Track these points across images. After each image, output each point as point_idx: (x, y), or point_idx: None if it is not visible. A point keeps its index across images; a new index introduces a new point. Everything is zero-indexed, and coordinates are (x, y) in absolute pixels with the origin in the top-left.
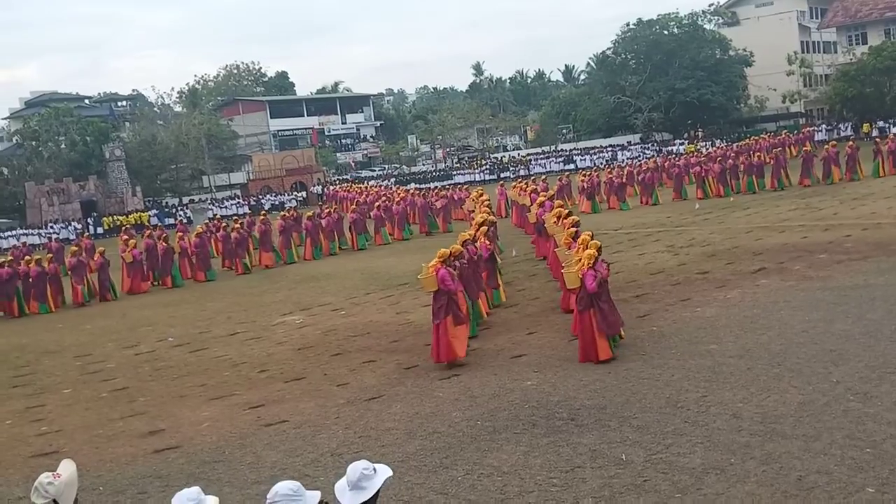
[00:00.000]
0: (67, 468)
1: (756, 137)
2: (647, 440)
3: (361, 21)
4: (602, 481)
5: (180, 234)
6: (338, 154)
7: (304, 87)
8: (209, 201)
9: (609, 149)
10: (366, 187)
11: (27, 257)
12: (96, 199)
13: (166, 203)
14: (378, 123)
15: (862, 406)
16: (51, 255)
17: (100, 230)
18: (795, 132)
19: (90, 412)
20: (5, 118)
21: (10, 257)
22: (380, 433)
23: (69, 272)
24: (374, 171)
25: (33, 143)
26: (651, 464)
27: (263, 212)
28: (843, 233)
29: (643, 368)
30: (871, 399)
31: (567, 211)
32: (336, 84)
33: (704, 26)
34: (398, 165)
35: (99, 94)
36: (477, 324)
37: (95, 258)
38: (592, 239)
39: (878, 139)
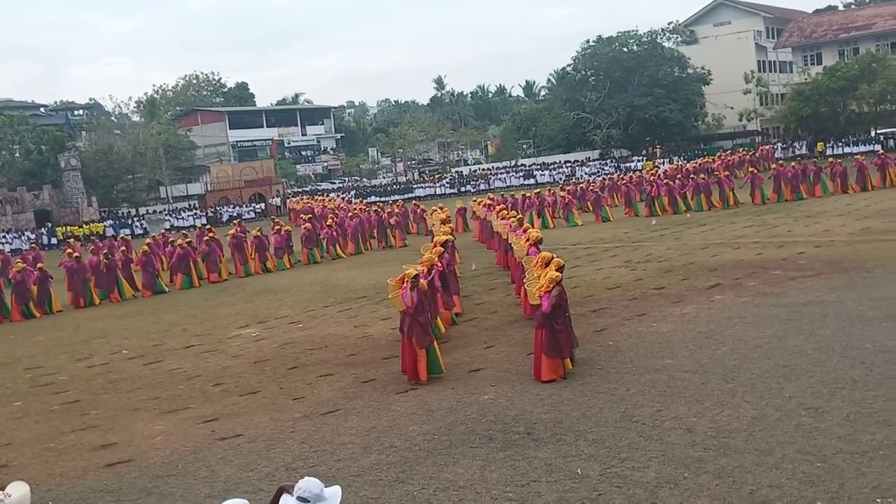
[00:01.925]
0: (19, 489)
1: (712, 156)
2: (602, 454)
3: (323, 33)
4: (557, 495)
5: (123, 247)
6: (298, 166)
7: (265, 99)
8: (166, 212)
9: (568, 164)
10: (323, 200)
11: None
12: (51, 208)
13: (122, 213)
14: (339, 136)
15: (813, 421)
16: None
17: (53, 240)
18: (749, 150)
19: (40, 425)
20: None
21: None
22: (336, 447)
23: (12, 289)
24: (335, 183)
25: None
26: (606, 478)
27: (208, 227)
28: (797, 250)
29: (599, 383)
30: (823, 414)
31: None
32: (296, 96)
33: (663, 44)
34: (358, 178)
35: (55, 102)
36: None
37: (36, 271)
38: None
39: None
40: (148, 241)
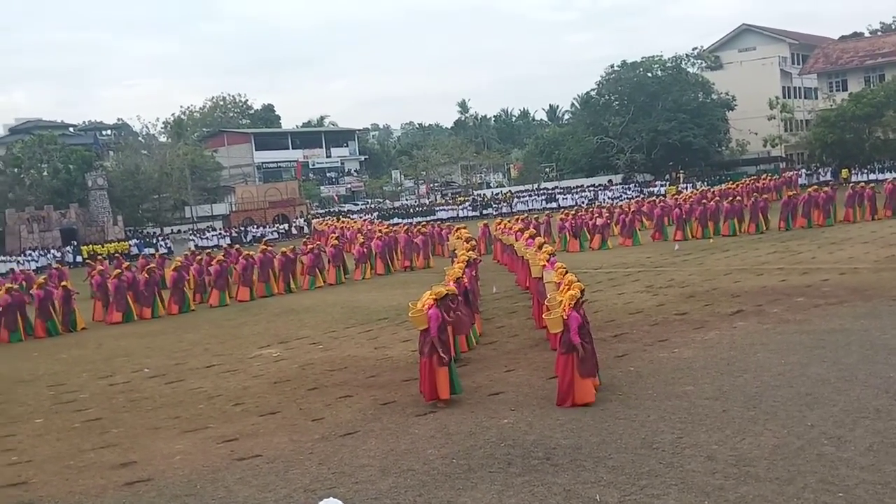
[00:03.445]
0: None
1: (737, 182)
2: (621, 481)
3: (348, 56)
4: None
5: (154, 265)
6: (322, 187)
7: (290, 121)
8: (190, 232)
9: (591, 188)
10: (349, 221)
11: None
12: (76, 227)
13: (147, 233)
14: (362, 158)
15: (836, 450)
16: (14, 284)
17: (79, 258)
18: (775, 176)
19: (62, 442)
20: None
21: None
22: (354, 469)
23: (35, 306)
24: (358, 204)
25: (16, 169)
26: None
27: (237, 246)
28: (821, 277)
29: (619, 409)
30: (845, 443)
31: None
32: (322, 118)
33: (688, 69)
34: (381, 200)
35: (84, 122)
36: (456, 361)
37: (59, 289)
38: (576, 280)
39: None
40: (177, 260)
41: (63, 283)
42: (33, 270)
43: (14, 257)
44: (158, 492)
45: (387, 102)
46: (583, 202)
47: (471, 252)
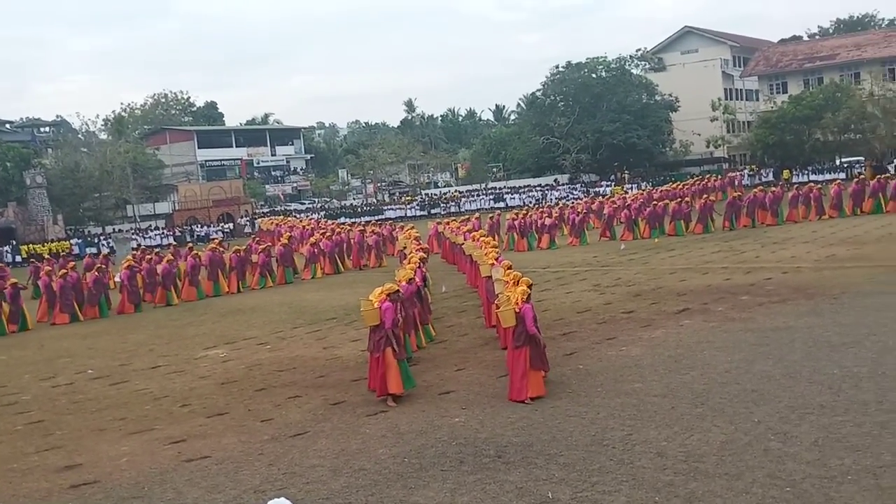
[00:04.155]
0: None
1: (682, 182)
2: (573, 478)
3: (294, 54)
4: None
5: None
6: (267, 186)
7: (234, 118)
8: (133, 231)
9: (538, 188)
10: (296, 221)
11: None
12: (15, 226)
13: (89, 232)
14: (308, 156)
15: (782, 446)
16: None
17: (18, 258)
18: (719, 176)
19: (4, 445)
20: None
21: None
22: (304, 470)
23: None
24: (304, 203)
25: None
26: (577, 502)
27: (189, 244)
28: (765, 275)
29: (569, 406)
30: (791, 439)
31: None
32: (266, 116)
33: (631, 71)
34: (328, 199)
35: (21, 119)
36: (408, 360)
37: (7, 287)
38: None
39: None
40: (128, 259)
41: (12, 280)
42: None
43: None
44: (105, 494)
45: (333, 101)
46: (530, 202)
47: (421, 252)
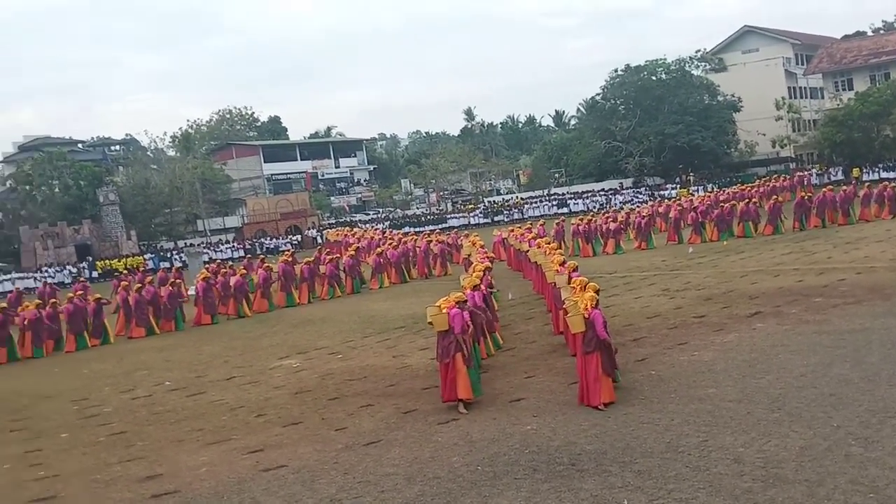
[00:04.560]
0: None
1: (749, 185)
2: (648, 486)
3: (353, 67)
4: None
5: (176, 279)
6: (332, 198)
7: (297, 132)
8: (204, 245)
9: (602, 193)
10: (362, 231)
11: (25, 303)
12: (91, 242)
13: (161, 247)
14: (371, 167)
15: (864, 451)
16: (41, 300)
17: (94, 274)
18: (787, 176)
19: (88, 457)
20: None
21: (5, 304)
22: (379, 478)
23: (66, 320)
24: (369, 214)
25: (27, 187)
26: None
27: (261, 256)
28: (838, 276)
29: (642, 413)
30: (873, 444)
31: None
32: (329, 129)
33: (692, 72)
34: (392, 209)
35: (92, 138)
36: (478, 368)
37: (90, 303)
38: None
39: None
40: (203, 272)
41: (97, 296)
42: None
43: (31, 274)
44: (186, 503)
45: (392, 112)
46: (594, 207)
47: (486, 260)
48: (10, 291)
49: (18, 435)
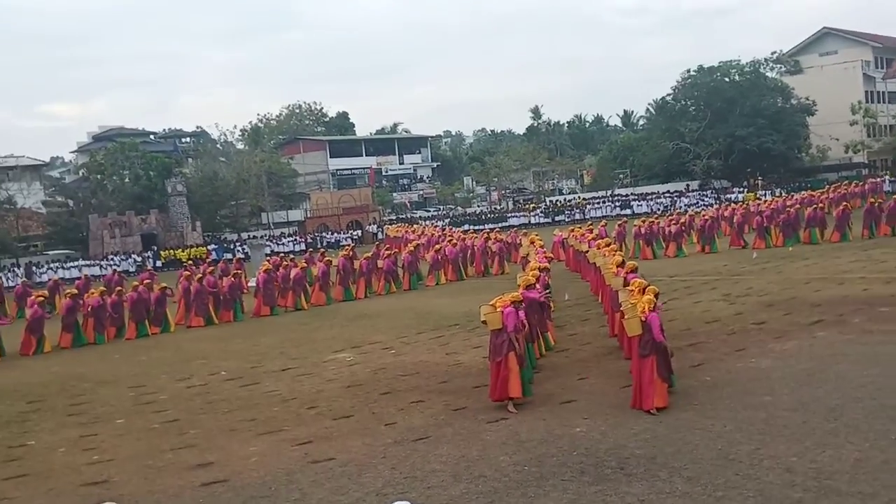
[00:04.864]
0: None
1: (819, 190)
2: (697, 492)
3: (421, 64)
4: None
5: (237, 271)
6: (394, 194)
7: (364, 128)
8: (267, 238)
9: (667, 195)
10: (422, 228)
11: (91, 289)
12: (157, 232)
13: (225, 238)
14: (435, 164)
15: None
16: (107, 287)
17: (158, 263)
18: (858, 182)
19: (141, 442)
20: (73, 151)
21: (75, 290)
22: (426, 474)
23: (129, 308)
24: (430, 211)
25: (98, 176)
26: None
27: (322, 250)
28: None
29: (695, 419)
30: None
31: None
32: (395, 125)
33: (766, 74)
34: (453, 206)
35: (164, 129)
36: (532, 368)
37: (154, 292)
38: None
39: None
40: (266, 263)
41: (163, 285)
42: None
43: (97, 261)
44: (235, 492)
45: (459, 109)
46: (658, 209)
47: (544, 260)
48: (78, 278)
49: (76, 419)
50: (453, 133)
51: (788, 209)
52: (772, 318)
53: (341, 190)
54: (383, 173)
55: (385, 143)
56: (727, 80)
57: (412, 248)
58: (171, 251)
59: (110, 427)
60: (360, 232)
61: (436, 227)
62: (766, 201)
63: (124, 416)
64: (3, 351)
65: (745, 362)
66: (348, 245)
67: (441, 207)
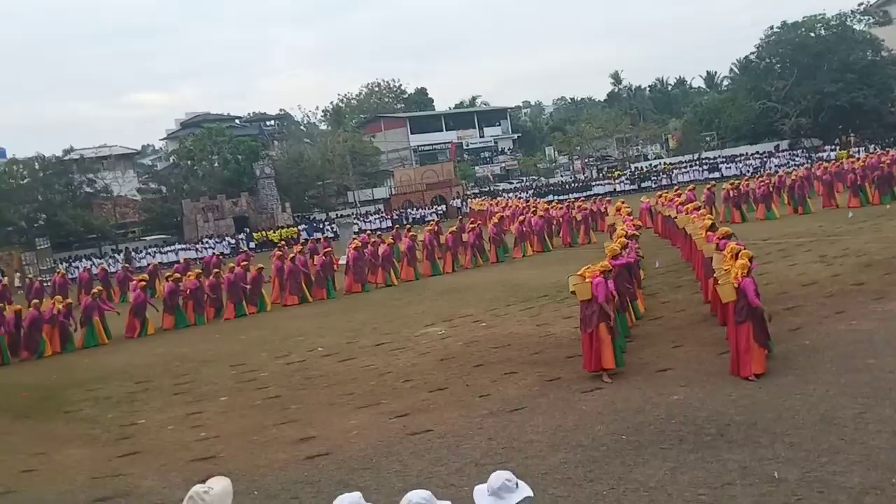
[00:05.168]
0: (220, 483)
1: None
2: (800, 458)
3: (497, 34)
4: (753, 499)
5: (328, 249)
6: (476, 167)
7: (443, 102)
8: (354, 216)
9: (756, 156)
10: (506, 200)
11: (189, 272)
12: (248, 214)
13: (314, 218)
14: (515, 136)
15: None
16: (203, 269)
17: (252, 245)
18: None
19: (245, 419)
20: (163, 139)
21: (177, 273)
22: (523, 445)
23: (226, 289)
24: (512, 183)
25: (189, 162)
26: (805, 482)
27: (408, 226)
28: None
29: (795, 384)
30: None
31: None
32: (473, 98)
33: (853, 27)
34: (536, 177)
35: (248, 114)
36: (626, 337)
37: (252, 272)
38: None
39: None
40: (355, 241)
41: (259, 265)
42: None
43: (192, 245)
44: (337, 465)
45: (537, 78)
46: (748, 171)
47: (632, 227)
48: (176, 262)
49: (182, 398)
50: (532, 103)
51: (882, 165)
52: (871, 278)
53: (424, 166)
54: (464, 147)
55: (464, 116)
56: (812, 35)
57: (496, 221)
58: (263, 232)
59: (215, 405)
60: (444, 207)
61: (519, 198)
62: (859, 159)
63: (227, 394)
64: (109, 334)
65: (845, 325)
66: (433, 220)
67: (524, 179)
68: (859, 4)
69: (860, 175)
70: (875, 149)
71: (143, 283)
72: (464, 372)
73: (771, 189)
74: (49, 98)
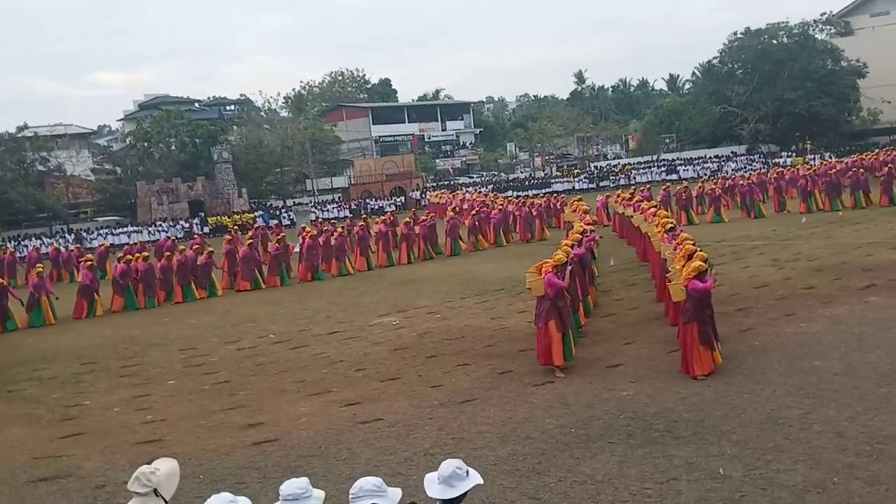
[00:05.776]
0: (167, 463)
1: (869, 153)
2: (745, 455)
3: (463, 29)
4: (698, 494)
5: (280, 236)
6: (437, 160)
7: (406, 94)
8: (312, 204)
9: (714, 159)
10: (463, 194)
11: (139, 254)
12: (203, 199)
13: (271, 205)
14: (477, 131)
15: None
16: (156, 252)
17: (206, 229)
18: None
19: (193, 403)
20: (120, 120)
21: (127, 255)
22: (473, 435)
23: (175, 272)
24: (473, 177)
25: (145, 144)
26: (749, 479)
27: (363, 216)
28: None
29: (744, 383)
30: None
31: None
32: (437, 91)
33: (815, 36)
34: (496, 173)
35: (209, 98)
36: (577, 332)
37: (202, 257)
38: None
39: None
40: (309, 230)
41: (210, 250)
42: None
43: (145, 227)
44: (285, 452)
45: (502, 74)
46: (705, 174)
47: (588, 224)
48: (127, 244)
49: (129, 380)
50: (496, 99)
51: (831, 173)
52: (821, 283)
53: (384, 157)
54: (426, 140)
55: (427, 109)
56: (775, 42)
57: (452, 214)
58: (218, 217)
59: (162, 388)
60: (403, 198)
61: (479, 193)
62: (812, 167)
63: (175, 378)
64: (55, 314)
65: (794, 327)
66: (389, 211)
67: (484, 174)
68: (822, 14)
69: (810, 182)
70: (830, 157)
71: (90, 262)
72: (417, 362)
73: (721, 192)
74: (5, 74)
